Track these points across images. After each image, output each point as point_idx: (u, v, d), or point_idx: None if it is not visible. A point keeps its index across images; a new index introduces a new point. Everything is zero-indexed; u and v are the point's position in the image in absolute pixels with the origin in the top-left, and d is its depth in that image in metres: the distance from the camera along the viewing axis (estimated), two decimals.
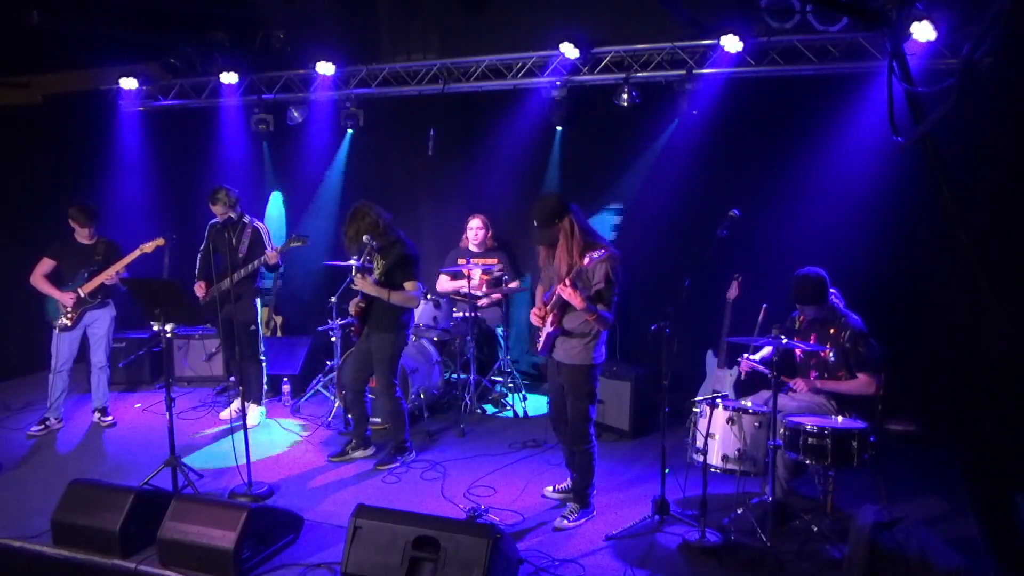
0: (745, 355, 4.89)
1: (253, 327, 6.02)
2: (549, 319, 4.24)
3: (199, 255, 6.12)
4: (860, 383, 4.44)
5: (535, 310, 4.35)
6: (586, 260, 3.99)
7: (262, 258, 5.79)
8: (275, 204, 8.07)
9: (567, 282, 4.01)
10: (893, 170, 5.59)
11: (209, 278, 5.94)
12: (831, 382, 4.52)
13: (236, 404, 6.37)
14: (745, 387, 5.11)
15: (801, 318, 4.70)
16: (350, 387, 5.36)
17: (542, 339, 4.35)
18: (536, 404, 6.58)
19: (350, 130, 7.52)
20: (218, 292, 5.68)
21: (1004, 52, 4.43)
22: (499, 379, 6.63)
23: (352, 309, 5.21)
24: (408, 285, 5.09)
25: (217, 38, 7.23)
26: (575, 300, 4.02)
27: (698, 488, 4.13)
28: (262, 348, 6.18)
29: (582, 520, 4.39)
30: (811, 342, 4.52)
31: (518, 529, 4.31)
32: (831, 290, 4.56)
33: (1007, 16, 1.81)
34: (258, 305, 6.07)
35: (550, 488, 4.78)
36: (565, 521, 4.35)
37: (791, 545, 4.05)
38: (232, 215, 5.87)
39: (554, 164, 7.03)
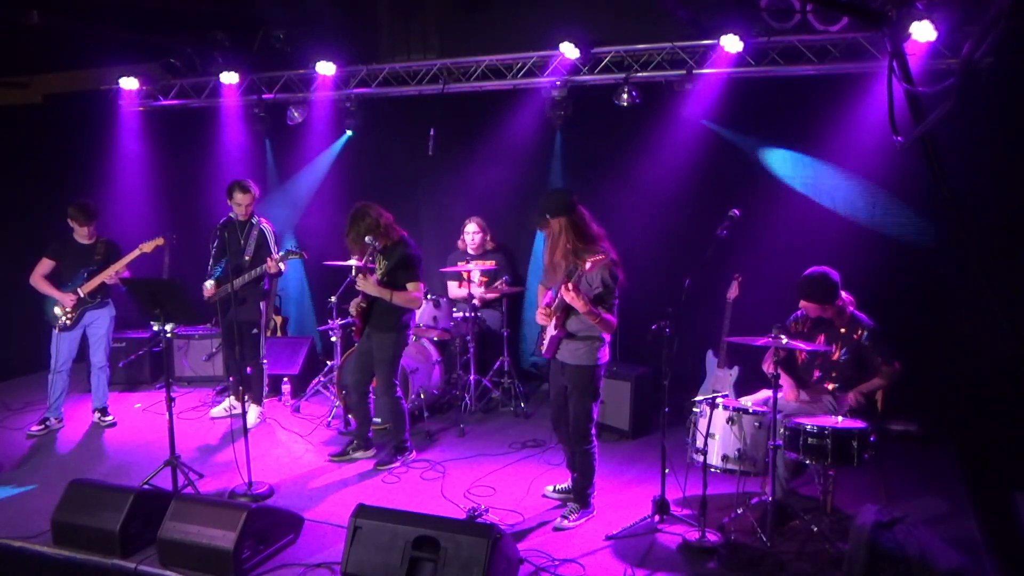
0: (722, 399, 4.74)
1: (255, 330, 6.00)
2: (553, 321, 4.25)
3: (212, 254, 6.06)
4: (893, 372, 4.44)
5: (541, 310, 4.37)
6: (588, 265, 4.00)
7: (263, 267, 5.77)
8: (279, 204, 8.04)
9: (569, 286, 4.02)
10: (893, 170, 5.60)
11: (217, 279, 5.95)
12: (866, 385, 4.48)
13: (226, 403, 6.38)
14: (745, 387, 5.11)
15: (805, 318, 4.68)
16: (353, 389, 5.34)
17: (547, 341, 4.36)
18: (536, 404, 6.60)
19: (349, 131, 7.52)
20: (225, 292, 5.69)
21: (1004, 52, 4.43)
22: (499, 379, 6.63)
23: (353, 309, 5.20)
24: (410, 286, 5.09)
25: (217, 38, 7.24)
26: (578, 303, 4.04)
27: (698, 488, 4.13)
28: (263, 352, 6.17)
29: (582, 520, 4.39)
30: (819, 342, 4.52)
31: (518, 529, 4.32)
32: (842, 294, 4.54)
33: (1007, 16, 1.80)
34: (263, 308, 6.04)
35: (550, 488, 4.78)
36: (565, 521, 4.35)
37: (791, 545, 4.05)
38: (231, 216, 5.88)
39: (554, 164, 7.02)
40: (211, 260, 6.08)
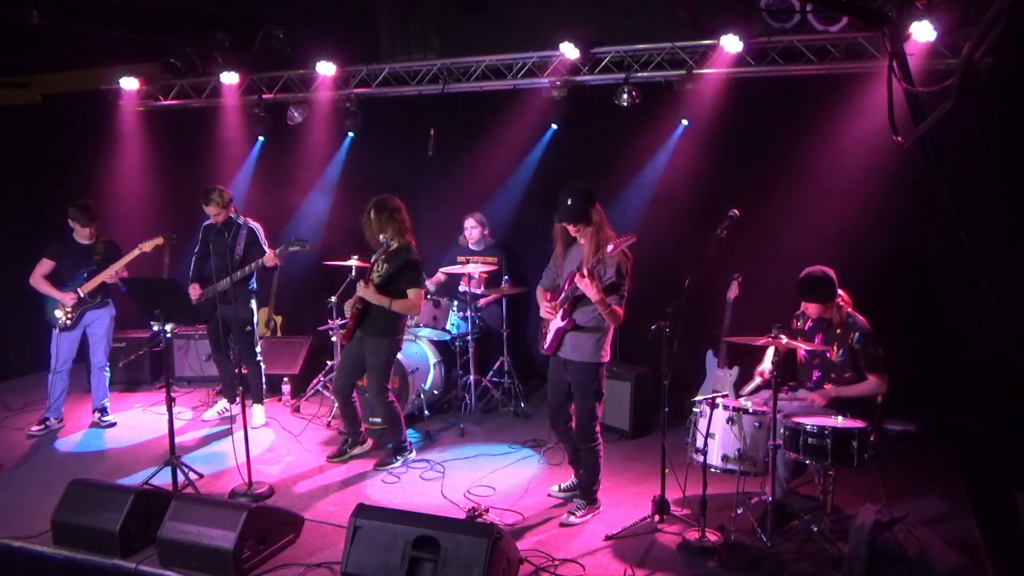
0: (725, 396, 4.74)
1: (249, 328, 6.01)
2: (560, 313, 4.26)
3: (194, 257, 6.08)
4: (872, 384, 4.41)
5: (545, 304, 4.36)
6: (610, 247, 3.99)
7: (260, 261, 5.78)
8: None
9: (584, 272, 4.01)
10: (893, 170, 5.59)
11: (203, 280, 5.93)
12: (845, 388, 4.48)
13: (219, 406, 6.38)
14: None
15: (806, 318, 4.68)
16: (338, 391, 5.29)
17: (550, 335, 4.36)
18: (536, 404, 6.59)
19: (351, 133, 7.51)
20: (213, 293, 5.68)
21: (1004, 52, 4.42)
22: (499, 379, 6.63)
23: (348, 310, 5.15)
24: (411, 292, 5.00)
25: (217, 38, 7.23)
26: (591, 291, 4.02)
27: (698, 488, 4.13)
28: (258, 349, 6.18)
29: (589, 517, 4.42)
30: (817, 342, 4.51)
31: (518, 529, 4.32)
32: (839, 291, 4.54)
33: (1007, 16, 1.80)
34: (253, 306, 6.06)
35: (556, 487, 4.80)
36: (572, 517, 4.38)
37: (791, 545, 4.05)
38: (230, 215, 5.87)
39: (554, 164, 7.02)
40: (193, 262, 6.06)
